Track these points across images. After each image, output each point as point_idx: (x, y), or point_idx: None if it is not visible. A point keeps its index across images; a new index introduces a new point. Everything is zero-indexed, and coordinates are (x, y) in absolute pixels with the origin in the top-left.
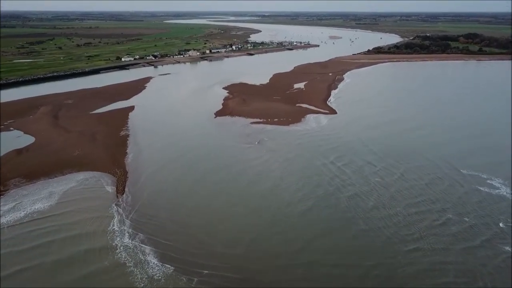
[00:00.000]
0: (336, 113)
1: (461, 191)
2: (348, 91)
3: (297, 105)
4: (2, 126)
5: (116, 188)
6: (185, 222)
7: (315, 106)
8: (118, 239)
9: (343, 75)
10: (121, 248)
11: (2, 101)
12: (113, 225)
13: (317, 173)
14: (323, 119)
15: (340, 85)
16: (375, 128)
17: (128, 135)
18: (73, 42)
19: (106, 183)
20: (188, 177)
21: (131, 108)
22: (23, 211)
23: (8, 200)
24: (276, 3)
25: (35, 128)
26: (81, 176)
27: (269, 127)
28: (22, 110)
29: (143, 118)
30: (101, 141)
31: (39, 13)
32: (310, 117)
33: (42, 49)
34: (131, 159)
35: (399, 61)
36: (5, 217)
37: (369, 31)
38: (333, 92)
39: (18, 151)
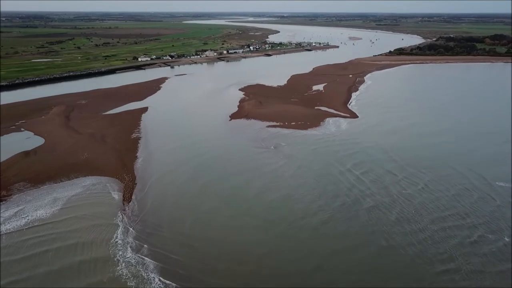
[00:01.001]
0: (357, 116)
1: (493, 205)
2: (370, 93)
3: (315, 108)
4: (13, 127)
5: (123, 195)
6: (192, 234)
7: (335, 109)
8: (120, 252)
9: (364, 77)
10: (122, 262)
11: (15, 101)
12: (117, 236)
13: (335, 182)
14: (344, 123)
15: (361, 87)
16: (397, 133)
17: (140, 137)
18: (91, 42)
19: (113, 190)
20: (198, 184)
21: (145, 109)
22: (23, 219)
23: (9, 206)
24: (295, 3)
25: (45, 129)
26: (87, 181)
27: (285, 131)
28: (35, 110)
29: (156, 120)
30: (111, 144)
31: (62, 13)
32: (329, 120)
33: (61, 48)
34: (141, 163)
35: (422, 63)
36: (4, 225)
37: (390, 32)
38: (354, 95)
39: (26, 153)
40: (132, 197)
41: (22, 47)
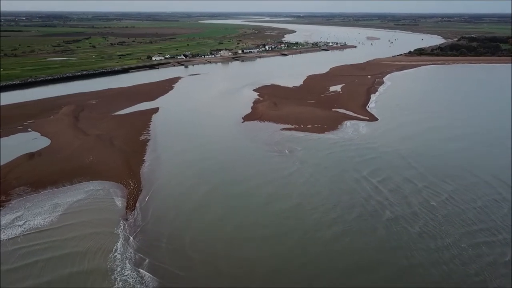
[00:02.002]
0: (376, 119)
1: None
2: (389, 95)
3: (333, 110)
4: (20, 127)
5: (127, 202)
6: (199, 247)
7: (354, 112)
8: (119, 268)
9: (383, 78)
10: (119, 278)
11: (26, 100)
12: (116, 248)
13: (351, 191)
14: (363, 126)
15: (380, 89)
16: (418, 137)
17: (148, 140)
18: (107, 41)
19: (116, 196)
20: (206, 190)
21: (156, 110)
22: (19, 227)
23: (7, 213)
24: (311, 3)
25: (53, 129)
26: (91, 186)
27: (301, 134)
28: (45, 109)
29: (167, 121)
30: (118, 147)
31: (81, 13)
32: (347, 123)
33: (77, 47)
34: (147, 167)
35: (444, 64)
36: None
37: (409, 32)
38: (373, 96)
39: (30, 155)
40: (136, 204)
41: (39, 45)
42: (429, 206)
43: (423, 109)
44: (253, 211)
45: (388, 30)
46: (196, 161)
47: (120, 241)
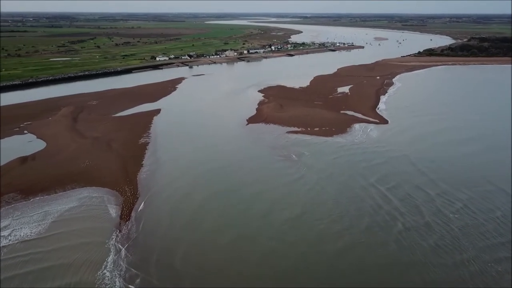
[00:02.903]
0: (387, 122)
1: None
2: (400, 96)
3: (341, 112)
4: (17, 129)
5: (121, 212)
6: (194, 262)
7: (363, 114)
8: (107, 286)
9: (393, 79)
10: None
11: (26, 101)
12: (105, 262)
13: (360, 200)
14: (373, 129)
15: (390, 90)
16: (432, 141)
17: (148, 143)
18: (112, 41)
19: (111, 204)
20: (205, 197)
21: (157, 111)
22: (5, 238)
23: None
24: (318, 4)
25: (50, 132)
26: (84, 193)
27: (308, 137)
28: (44, 111)
29: (168, 123)
30: (116, 150)
31: (88, 14)
32: (357, 126)
33: (81, 47)
34: (146, 173)
35: (455, 65)
36: None
37: (417, 32)
38: (383, 98)
39: (23, 159)
40: (131, 214)
41: (43, 46)
42: (442, 217)
43: (435, 111)
44: (253, 220)
45: (396, 30)
46: (196, 165)
47: (111, 254)
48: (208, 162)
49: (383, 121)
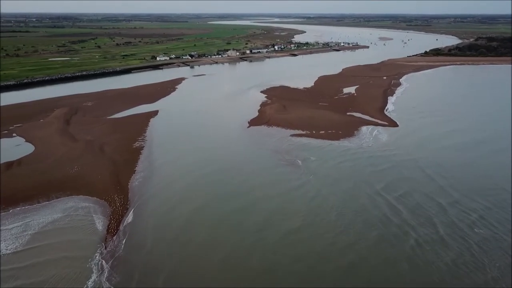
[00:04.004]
0: (397, 125)
1: None
2: (408, 97)
3: (348, 113)
4: (6, 132)
5: (108, 225)
6: (186, 281)
7: (371, 116)
8: None
9: (400, 79)
10: None
11: (19, 102)
12: (86, 281)
13: (369, 210)
14: (382, 132)
15: (398, 91)
16: (448, 146)
17: (143, 146)
18: (113, 41)
19: (98, 216)
20: (200, 208)
21: (155, 112)
22: None
23: None
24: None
25: (40, 135)
26: (70, 203)
27: (313, 141)
28: (36, 112)
29: (166, 125)
30: (108, 155)
31: (91, 15)
32: (364, 129)
33: (82, 47)
34: (138, 181)
35: (463, 64)
36: None
37: (422, 32)
38: (390, 99)
39: (8, 165)
40: (119, 227)
41: (43, 46)
42: (459, 231)
43: (446, 113)
44: (248, 235)
45: (400, 30)
46: (191, 171)
47: (93, 272)
48: (205, 168)
49: (393, 123)
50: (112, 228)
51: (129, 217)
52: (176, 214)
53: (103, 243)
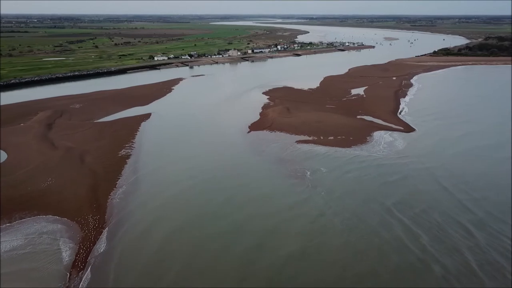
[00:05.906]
0: (413, 130)
1: None
2: (422, 99)
3: (358, 117)
4: None
5: (76, 255)
6: None
7: (384, 120)
8: None
9: (411, 80)
10: None
11: (2, 103)
12: None
13: (386, 234)
14: (398, 139)
15: (410, 92)
16: (474, 155)
17: (130, 155)
18: (112, 41)
19: (65, 243)
20: (182, 230)
21: (147, 116)
22: None
23: None
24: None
25: (16, 141)
26: (35, 225)
27: (321, 148)
28: (18, 115)
29: (157, 130)
30: (88, 165)
31: (93, 15)
32: (378, 135)
33: (79, 47)
34: (119, 197)
35: (475, 64)
36: None
37: (427, 32)
38: (403, 101)
39: None
40: (88, 258)
41: (40, 46)
42: (493, 261)
43: (465, 115)
44: (237, 263)
45: (405, 31)
46: (181, 185)
47: None
48: (193, 179)
49: (409, 128)
50: (80, 259)
51: (102, 245)
52: (151, 239)
53: (65, 281)
